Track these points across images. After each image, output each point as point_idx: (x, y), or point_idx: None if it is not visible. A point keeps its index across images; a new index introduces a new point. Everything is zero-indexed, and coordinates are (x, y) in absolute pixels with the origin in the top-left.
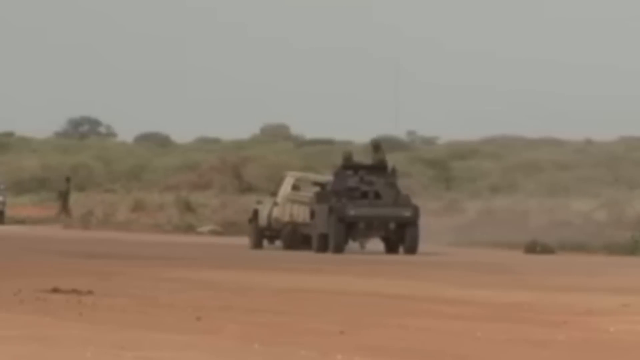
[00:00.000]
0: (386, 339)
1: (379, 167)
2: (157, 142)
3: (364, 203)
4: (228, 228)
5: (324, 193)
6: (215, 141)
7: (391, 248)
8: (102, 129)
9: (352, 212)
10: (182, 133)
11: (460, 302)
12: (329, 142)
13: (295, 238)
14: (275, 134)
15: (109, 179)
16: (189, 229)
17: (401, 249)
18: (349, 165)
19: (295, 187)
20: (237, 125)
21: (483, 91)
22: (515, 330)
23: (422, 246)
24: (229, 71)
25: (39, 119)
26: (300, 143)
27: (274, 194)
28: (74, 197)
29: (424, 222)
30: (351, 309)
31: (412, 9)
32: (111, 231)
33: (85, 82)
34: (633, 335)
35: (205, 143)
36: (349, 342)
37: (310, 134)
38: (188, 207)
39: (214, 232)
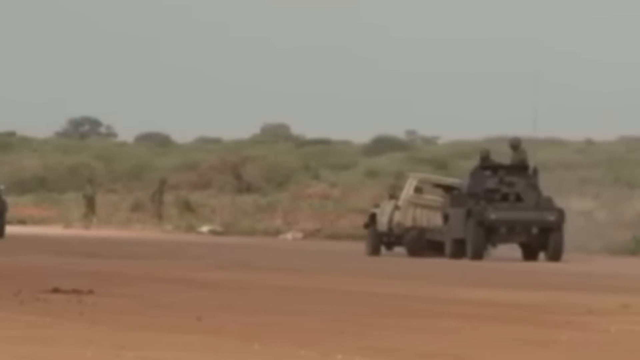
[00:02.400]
0: (386, 339)
1: (519, 167)
2: (157, 142)
3: (504, 206)
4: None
5: (459, 195)
6: (216, 141)
7: (530, 254)
8: (102, 129)
9: (492, 215)
10: (182, 133)
11: (460, 302)
12: (328, 142)
13: (421, 244)
14: (276, 134)
15: (110, 179)
16: (190, 228)
17: (542, 256)
18: (487, 166)
19: (417, 190)
20: (237, 125)
21: (483, 91)
22: (515, 330)
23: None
24: (229, 71)
25: (39, 119)
26: (301, 143)
27: (393, 196)
28: (74, 197)
29: None
30: (351, 309)
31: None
32: (112, 231)
33: (85, 82)
34: (634, 335)
35: (206, 143)
36: (349, 342)
37: (311, 134)
38: (188, 207)
39: (214, 232)
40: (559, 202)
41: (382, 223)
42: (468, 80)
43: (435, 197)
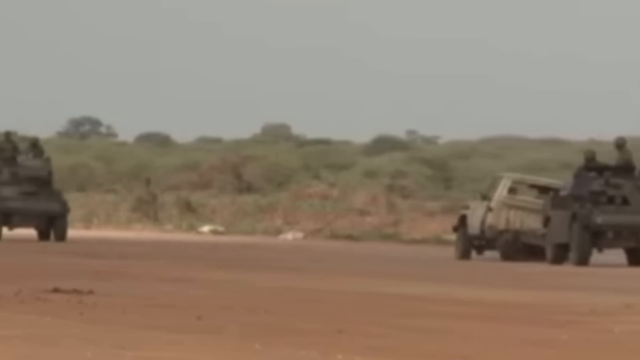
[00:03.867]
0: (386, 338)
1: (626, 169)
2: (157, 142)
3: (611, 209)
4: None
5: (562, 197)
6: (216, 141)
7: (636, 260)
8: (103, 129)
9: (599, 219)
10: (182, 133)
11: (460, 302)
12: (328, 142)
13: (516, 248)
14: (276, 134)
15: (110, 179)
16: (190, 228)
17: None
18: (592, 167)
19: (511, 190)
20: (237, 125)
21: (482, 91)
22: (517, 330)
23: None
24: (229, 71)
25: (39, 119)
26: (301, 143)
27: (485, 197)
28: (74, 197)
29: None
30: (351, 309)
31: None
32: (112, 231)
33: (86, 82)
34: (637, 336)
35: (206, 143)
36: (349, 342)
37: (311, 134)
38: (188, 207)
39: (215, 232)
40: None
41: (473, 226)
42: (468, 81)
43: (529, 199)
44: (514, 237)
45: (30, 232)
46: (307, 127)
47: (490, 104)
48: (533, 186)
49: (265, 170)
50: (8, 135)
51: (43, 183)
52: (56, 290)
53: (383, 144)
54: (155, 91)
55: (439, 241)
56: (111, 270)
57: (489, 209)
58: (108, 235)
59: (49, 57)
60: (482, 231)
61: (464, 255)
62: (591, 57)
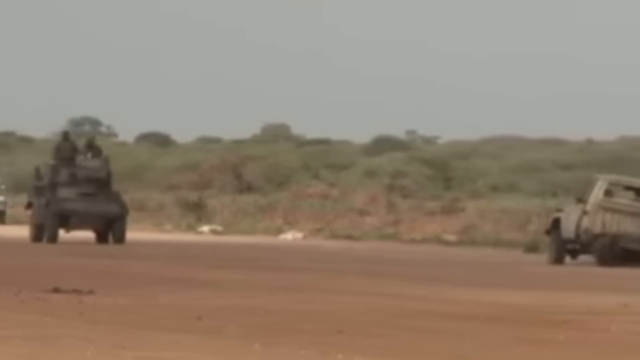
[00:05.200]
0: (386, 338)
1: None
2: (157, 142)
3: None
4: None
5: None
6: (216, 141)
7: None
8: (102, 129)
9: None
10: (182, 133)
11: (460, 302)
12: (328, 142)
13: (613, 252)
14: (276, 134)
15: None
16: (190, 228)
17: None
18: None
19: (608, 193)
20: (237, 125)
21: (483, 91)
22: (515, 330)
23: None
24: (229, 71)
25: (39, 119)
26: (301, 143)
27: (580, 200)
28: None
29: None
30: (351, 309)
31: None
32: None
33: (86, 82)
34: (634, 335)
35: (206, 143)
36: (349, 342)
37: (311, 133)
38: (189, 207)
39: (214, 232)
40: (559, 202)
41: (568, 229)
42: (467, 81)
43: (627, 201)
44: (611, 241)
45: (88, 235)
46: (307, 127)
47: (490, 104)
48: (629, 188)
49: (265, 170)
50: (66, 134)
51: (102, 184)
52: (56, 290)
53: (383, 144)
54: (155, 91)
55: (439, 241)
56: (111, 270)
57: (585, 212)
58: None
59: (49, 58)
60: (577, 235)
61: (558, 259)
62: (592, 59)
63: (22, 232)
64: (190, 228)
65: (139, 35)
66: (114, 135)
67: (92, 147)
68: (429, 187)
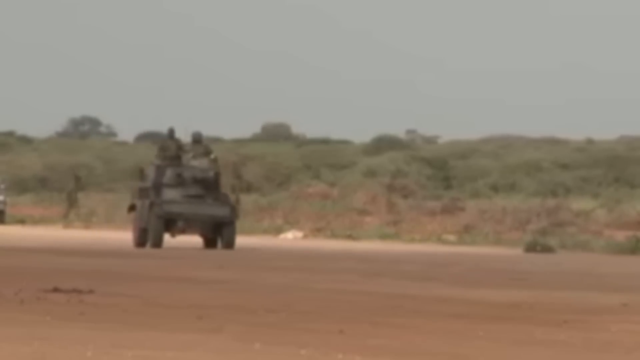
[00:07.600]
0: (386, 338)
1: None
2: (157, 141)
3: None
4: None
5: None
6: (216, 140)
7: None
8: (102, 129)
9: None
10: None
11: (460, 302)
12: (328, 142)
13: None
14: (276, 134)
15: (110, 179)
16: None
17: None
18: None
19: None
20: (237, 125)
21: (482, 91)
22: (515, 330)
23: None
24: (229, 71)
25: (40, 119)
26: (301, 142)
27: None
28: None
29: None
30: (351, 308)
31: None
32: (112, 230)
33: (86, 81)
34: (634, 335)
35: (206, 142)
36: (349, 342)
37: (311, 133)
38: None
39: None
40: (559, 202)
41: None
42: (467, 81)
43: None
44: None
45: (195, 240)
46: (307, 127)
47: (490, 104)
48: None
49: (265, 170)
50: (172, 132)
51: (210, 185)
52: (56, 290)
53: (383, 144)
54: (155, 91)
55: (439, 241)
56: (111, 270)
57: None
58: (108, 235)
59: (49, 58)
60: None
61: None
62: (591, 60)
63: (23, 232)
64: None
65: (139, 36)
66: (114, 135)
67: (200, 144)
68: (429, 187)
